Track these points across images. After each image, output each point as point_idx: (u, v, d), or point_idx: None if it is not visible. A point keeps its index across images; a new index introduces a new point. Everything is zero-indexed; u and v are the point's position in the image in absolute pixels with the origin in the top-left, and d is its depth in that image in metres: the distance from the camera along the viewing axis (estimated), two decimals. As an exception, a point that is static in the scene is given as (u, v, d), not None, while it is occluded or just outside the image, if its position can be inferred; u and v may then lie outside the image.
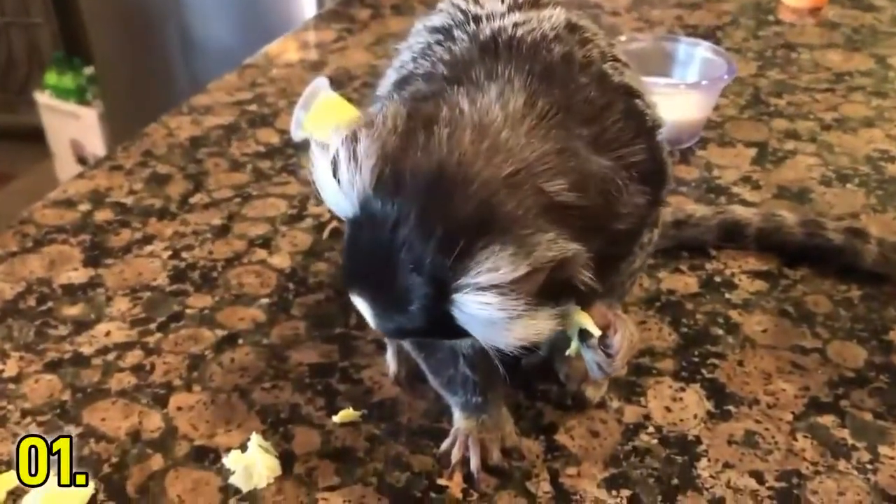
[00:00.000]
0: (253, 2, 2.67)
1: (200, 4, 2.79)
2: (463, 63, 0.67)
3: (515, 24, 0.68)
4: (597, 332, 0.66)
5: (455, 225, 0.54)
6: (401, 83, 0.73)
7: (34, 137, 3.48)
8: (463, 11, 0.72)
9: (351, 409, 0.82)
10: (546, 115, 0.61)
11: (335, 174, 0.58)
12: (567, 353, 0.70)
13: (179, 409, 0.83)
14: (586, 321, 0.66)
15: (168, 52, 2.94)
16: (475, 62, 0.66)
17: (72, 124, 3.40)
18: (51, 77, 3.41)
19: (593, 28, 0.72)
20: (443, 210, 0.55)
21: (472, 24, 0.70)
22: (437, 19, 0.75)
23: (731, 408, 0.81)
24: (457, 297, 0.54)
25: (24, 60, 3.59)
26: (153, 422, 0.81)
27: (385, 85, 0.79)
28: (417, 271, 0.55)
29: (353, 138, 0.57)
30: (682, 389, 0.83)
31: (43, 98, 3.42)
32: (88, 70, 3.37)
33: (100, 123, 3.33)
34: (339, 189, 0.58)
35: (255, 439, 0.77)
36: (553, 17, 0.70)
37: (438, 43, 0.71)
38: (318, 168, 0.59)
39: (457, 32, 0.70)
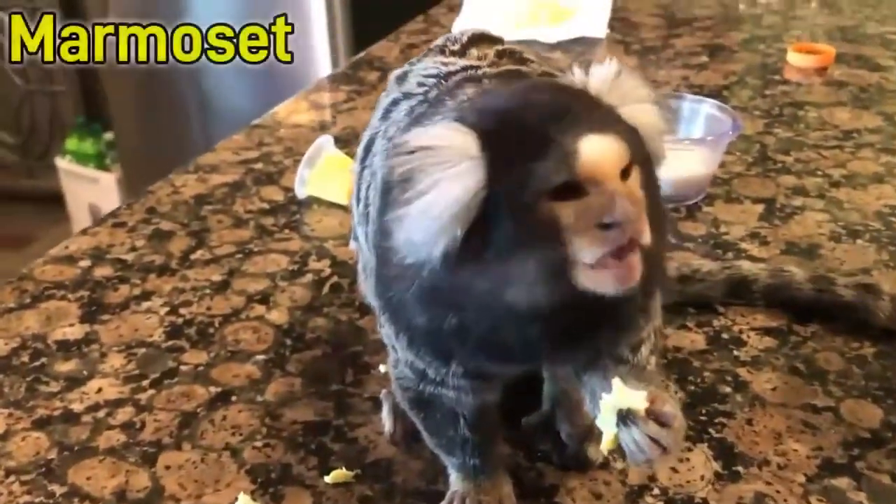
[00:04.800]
0: (271, 67, 2.72)
1: (218, 70, 2.85)
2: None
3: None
4: (644, 405, 0.61)
5: None
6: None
7: (53, 202, 3.53)
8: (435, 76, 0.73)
9: (344, 469, 0.79)
10: None
11: None
12: (602, 447, 0.63)
13: (168, 467, 0.80)
14: (630, 394, 0.61)
15: (186, 118, 3.00)
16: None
17: (90, 189, 3.45)
18: (72, 142, 3.48)
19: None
20: None
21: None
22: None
23: (740, 469, 0.78)
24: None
25: (46, 127, 3.67)
26: (140, 481, 0.79)
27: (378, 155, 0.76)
28: None
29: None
30: (689, 449, 0.80)
31: (63, 163, 3.48)
32: (108, 136, 3.44)
33: (118, 188, 3.38)
34: None
35: (243, 500, 0.75)
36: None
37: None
38: None
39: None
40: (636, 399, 0.60)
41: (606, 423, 0.61)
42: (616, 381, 0.61)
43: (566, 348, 0.62)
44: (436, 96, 0.69)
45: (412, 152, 0.55)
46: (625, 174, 0.55)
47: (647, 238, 0.53)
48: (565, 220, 0.53)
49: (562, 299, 0.56)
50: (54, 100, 3.62)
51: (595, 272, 0.54)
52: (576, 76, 0.61)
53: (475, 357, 0.64)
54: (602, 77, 0.60)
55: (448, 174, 0.54)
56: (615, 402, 0.61)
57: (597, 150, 0.53)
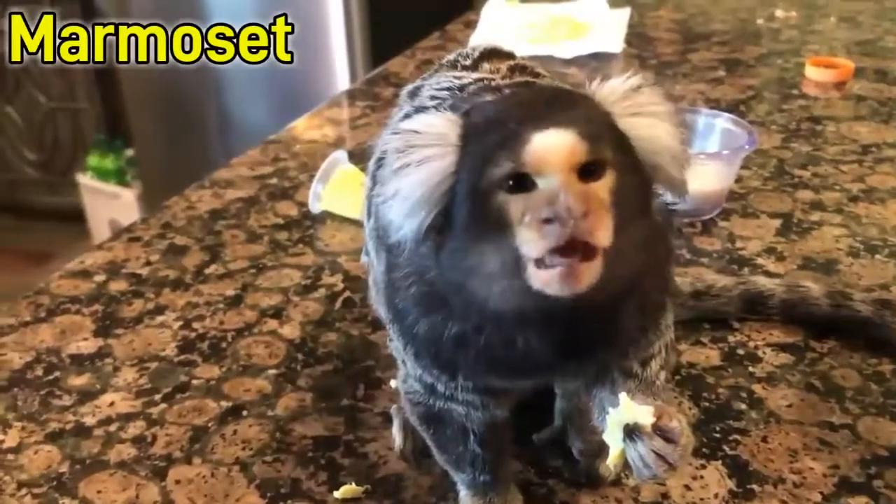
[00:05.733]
0: (289, 83, 2.75)
1: (239, 87, 2.88)
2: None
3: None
4: (650, 420, 0.60)
5: None
6: None
7: (74, 218, 3.57)
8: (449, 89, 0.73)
9: (353, 485, 0.79)
10: None
11: None
12: (608, 462, 0.62)
13: (178, 482, 0.80)
14: (636, 409, 0.60)
15: (206, 134, 3.02)
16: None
17: (111, 204, 3.48)
18: (93, 159, 3.52)
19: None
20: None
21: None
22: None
23: (754, 487, 0.77)
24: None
25: (69, 144, 3.71)
26: (150, 495, 0.79)
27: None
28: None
29: None
30: (703, 467, 0.79)
31: (84, 179, 3.52)
32: (129, 152, 3.47)
33: (138, 203, 3.41)
34: None
35: (252, 514, 0.75)
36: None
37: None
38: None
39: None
40: (642, 414, 0.59)
41: (613, 438, 0.61)
42: (623, 396, 0.60)
43: (568, 361, 0.62)
44: (452, 105, 0.69)
45: (400, 133, 0.57)
46: (587, 174, 0.53)
47: (599, 240, 0.51)
48: (513, 212, 0.52)
49: (534, 303, 0.55)
50: (76, 117, 3.66)
51: (541, 271, 0.52)
52: (589, 83, 0.60)
53: (479, 370, 0.63)
54: (613, 86, 0.58)
55: (421, 156, 0.55)
56: (621, 417, 0.60)
57: (547, 143, 0.52)
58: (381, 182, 0.58)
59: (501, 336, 0.59)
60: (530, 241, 0.52)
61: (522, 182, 0.53)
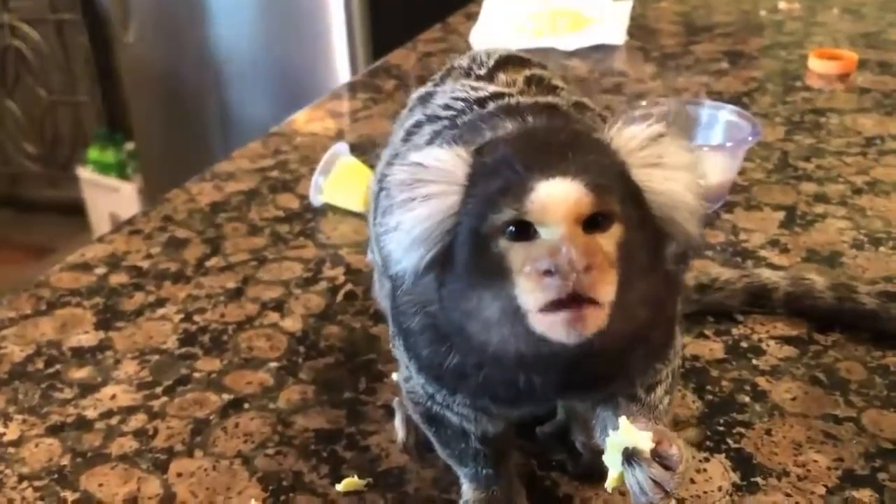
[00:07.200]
0: (290, 76, 2.74)
1: (239, 80, 2.87)
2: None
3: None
4: (649, 445, 0.59)
5: None
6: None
7: (75, 211, 3.57)
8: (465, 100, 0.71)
9: (356, 478, 0.78)
10: None
11: None
12: (606, 485, 0.61)
13: (179, 475, 0.80)
14: (636, 434, 0.59)
15: (206, 128, 3.02)
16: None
17: (111, 198, 3.48)
18: (93, 152, 3.52)
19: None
20: None
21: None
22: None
23: (758, 480, 0.76)
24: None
25: (69, 137, 3.71)
26: (152, 488, 0.79)
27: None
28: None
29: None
30: (707, 460, 0.79)
31: (85, 173, 3.52)
32: (129, 145, 3.47)
33: (138, 197, 3.41)
34: None
35: (254, 508, 0.74)
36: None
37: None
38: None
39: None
40: (642, 439, 0.59)
41: (612, 461, 0.60)
42: (623, 420, 0.60)
43: (571, 395, 0.62)
44: (471, 121, 0.67)
45: (407, 165, 0.56)
46: (593, 225, 0.52)
47: (601, 295, 0.50)
48: (514, 260, 0.51)
49: (535, 349, 0.54)
50: (77, 110, 3.66)
51: (544, 316, 0.51)
52: (608, 129, 0.57)
53: (479, 398, 0.64)
54: (632, 133, 0.56)
55: (425, 192, 0.54)
56: (621, 440, 0.59)
57: (551, 193, 0.51)
58: (383, 211, 0.57)
59: (502, 375, 0.59)
60: (529, 293, 0.51)
61: (524, 230, 0.52)
